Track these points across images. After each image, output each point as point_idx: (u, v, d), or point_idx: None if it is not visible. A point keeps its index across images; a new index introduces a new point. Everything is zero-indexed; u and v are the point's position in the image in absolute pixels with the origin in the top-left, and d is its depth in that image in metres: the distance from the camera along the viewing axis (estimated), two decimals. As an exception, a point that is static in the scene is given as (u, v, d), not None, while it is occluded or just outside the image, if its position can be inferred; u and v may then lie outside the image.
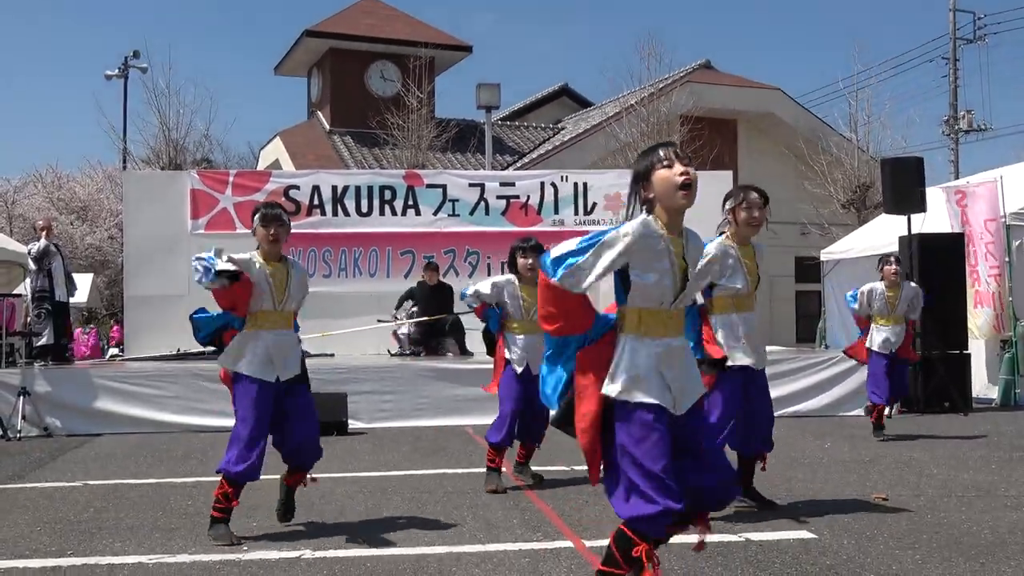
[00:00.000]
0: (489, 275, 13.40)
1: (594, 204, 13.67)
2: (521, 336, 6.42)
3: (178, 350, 11.81)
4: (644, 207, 3.39)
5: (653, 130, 20.61)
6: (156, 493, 6.42)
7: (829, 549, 4.63)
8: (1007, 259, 11.83)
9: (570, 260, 3.23)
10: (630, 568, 3.20)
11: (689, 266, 3.34)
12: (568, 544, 4.78)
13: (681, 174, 3.30)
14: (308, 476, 5.27)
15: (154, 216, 12.80)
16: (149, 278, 12.69)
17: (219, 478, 4.98)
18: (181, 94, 22.29)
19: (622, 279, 3.30)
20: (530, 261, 6.40)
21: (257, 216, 5.15)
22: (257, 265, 5.06)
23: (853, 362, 10.96)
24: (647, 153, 3.42)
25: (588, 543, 4.77)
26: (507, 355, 6.46)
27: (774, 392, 10.23)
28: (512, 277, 6.61)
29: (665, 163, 3.33)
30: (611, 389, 3.24)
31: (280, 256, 5.16)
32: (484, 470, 6.45)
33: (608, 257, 3.23)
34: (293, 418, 5.06)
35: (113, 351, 17.32)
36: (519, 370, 6.36)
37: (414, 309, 12.10)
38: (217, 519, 4.98)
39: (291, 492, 5.31)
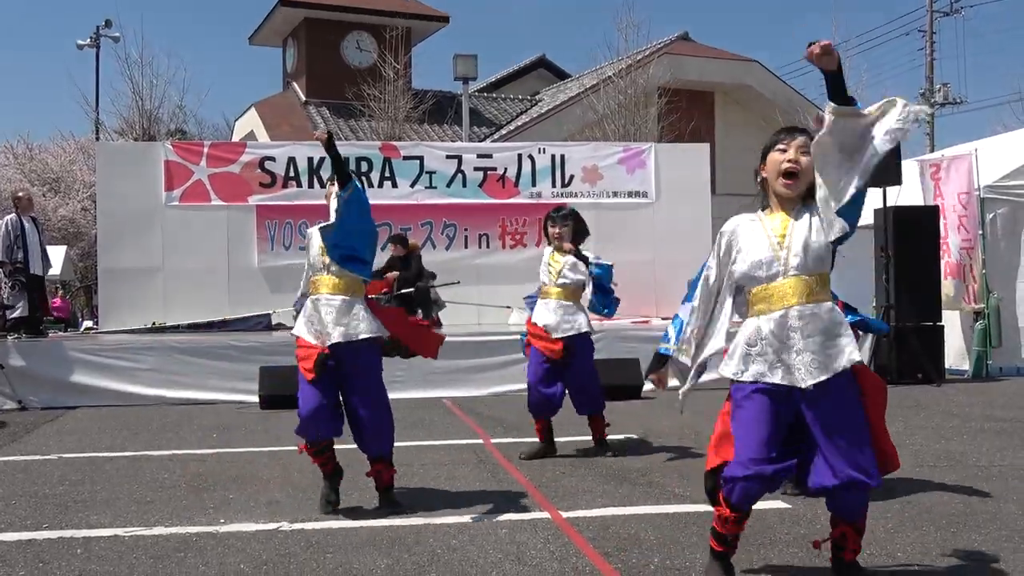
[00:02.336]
0: (466, 247, 13.44)
1: (571, 176, 13.64)
2: (549, 300, 6.50)
3: (153, 323, 11.74)
4: (759, 184, 3.55)
5: (631, 102, 20.59)
6: (132, 466, 6.39)
7: (803, 518, 4.68)
8: (980, 232, 11.94)
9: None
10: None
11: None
12: (545, 515, 4.81)
13: (789, 161, 3.39)
14: (389, 466, 5.07)
15: (128, 188, 12.66)
16: (123, 251, 12.57)
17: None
18: (154, 64, 22.10)
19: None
20: (557, 229, 6.49)
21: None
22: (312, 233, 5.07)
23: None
24: (775, 133, 3.54)
25: (565, 514, 4.80)
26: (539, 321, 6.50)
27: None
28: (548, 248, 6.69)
29: (780, 147, 3.43)
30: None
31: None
32: (462, 442, 6.53)
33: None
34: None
35: (87, 324, 17.17)
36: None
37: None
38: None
39: (385, 492, 5.07)
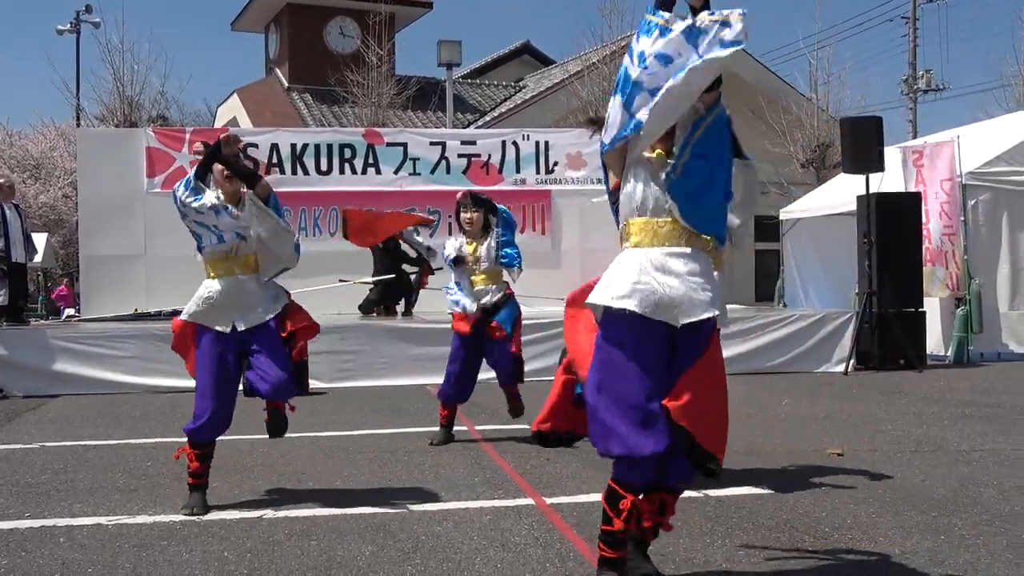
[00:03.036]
0: (450, 234, 13.37)
1: (556, 163, 13.64)
2: (477, 287, 6.52)
3: (135, 310, 11.68)
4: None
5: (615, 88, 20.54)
6: (115, 454, 6.37)
7: (785, 504, 4.71)
8: (962, 219, 12.00)
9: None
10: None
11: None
12: (529, 502, 4.82)
13: None
14: (287, 404, 5.00)
15: (109, 174, 12.57)
16: (105, 238, 12.50)
17: (175, 439, 4.94)
18: (135, 50, 21.86)
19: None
20: (469, 215, 6.48)
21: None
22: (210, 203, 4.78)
23: (811, 320, 11.11)
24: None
25: (549, 500, 4.82)
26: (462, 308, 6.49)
27: (735, 350, 10.48)
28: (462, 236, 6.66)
29: None
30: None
31: (238, 198, 4.87)
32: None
33: None
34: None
35: (69, 312, 17.08)
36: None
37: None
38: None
39: (277, 412, 4.98)
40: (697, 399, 3.17)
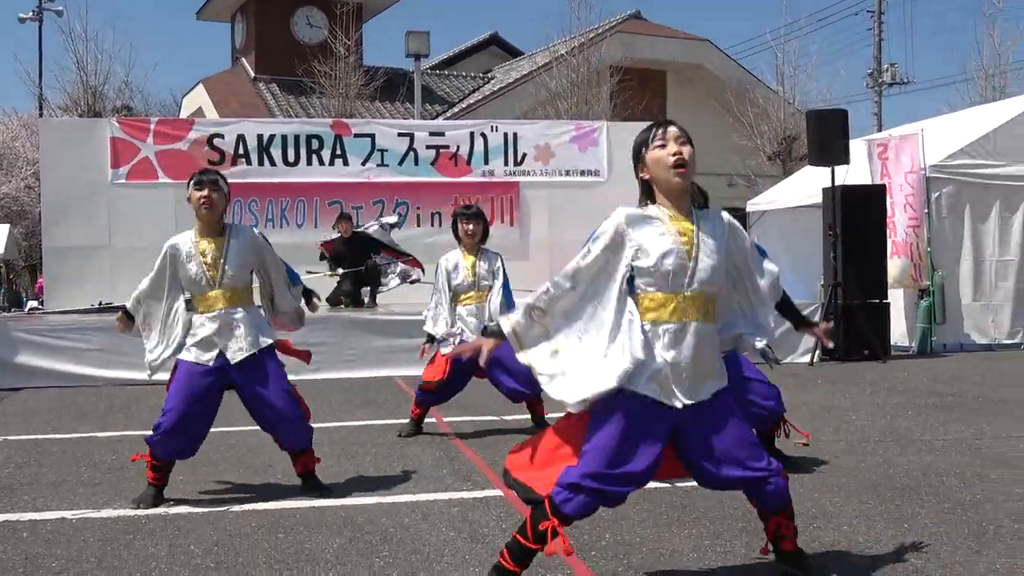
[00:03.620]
0: (419, 226, 13.36)
1: (524, 155, 13.66)
2: (471, 306, 6.35)
3: (100, 302, 11.54)
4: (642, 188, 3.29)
5: (583, 80, 20.60)
6: (79, 448, 6.30)
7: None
8: (926, 211, 12.14)
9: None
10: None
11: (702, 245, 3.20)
12: (497, 493, 4.82)
13: (673, 154, 3.18)
14: (312, 453, 4.93)
15: (72, 165, 12.42)
16: (69, 229, 12.35)
17: (140, 432, 4.89)
18: (99, 39, 21.64)
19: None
20: (471, 227, 6.34)
21: (191, 181, 4.81)
22: (185, 249, 4.74)
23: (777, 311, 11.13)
24: (641, 132, 3.29)
25: (518, 491, 4.82)
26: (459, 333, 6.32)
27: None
28: (456, 250, 6.49)
29: (658, 143, 3.22)
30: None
31: (219, 228, 4.80)
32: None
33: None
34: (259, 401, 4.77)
35: (32, 304, 16.86)
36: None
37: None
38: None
39: (307, 476, 4.93)
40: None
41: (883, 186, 12.35)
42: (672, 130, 3.25)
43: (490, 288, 6.35)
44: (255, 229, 5.06)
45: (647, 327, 3.15)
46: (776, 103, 21.75)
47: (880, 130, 23.16)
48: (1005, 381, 9.21)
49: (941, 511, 4.36)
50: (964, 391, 8.54)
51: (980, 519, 4.20)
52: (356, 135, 13.41)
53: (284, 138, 13.18)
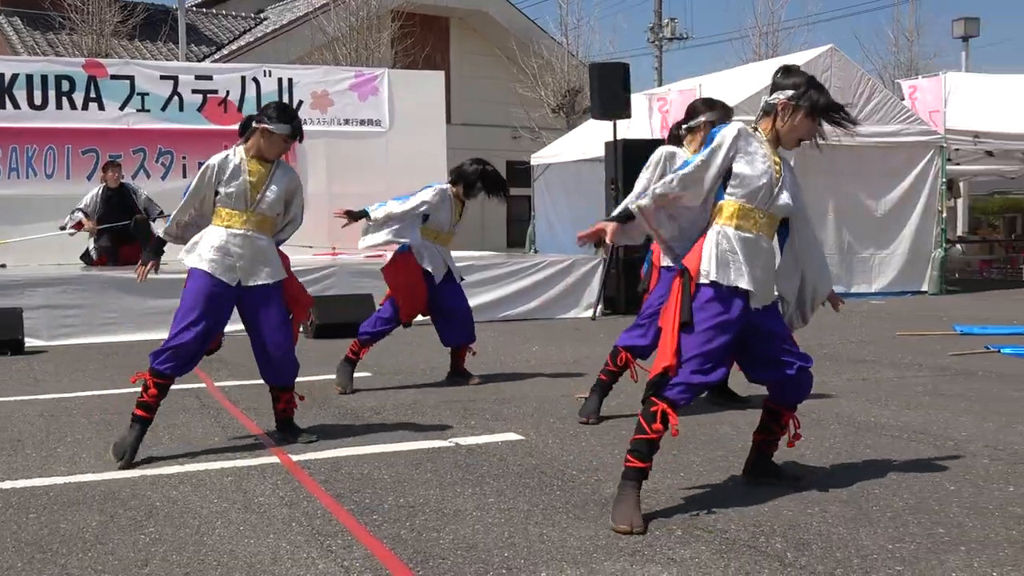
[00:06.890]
0: (185, 176, 12.54)
1: (300, 102, 13.07)
2: (438, 246, 6.62)
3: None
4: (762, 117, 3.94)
5: (363, 24, 20.08)
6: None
7: (535, 449, 4.75)
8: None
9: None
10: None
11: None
12: (274, 460, 4.60)
13: (812, 136, 3.89)
14: (295, 395, 5.04)
15: None
16: None
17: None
18: None
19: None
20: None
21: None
22: (234, 162, 4.83)
23: (562, 266, 11.20)
24: (804, 87, 3.93)
25: (295, 457, 4.61)
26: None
27: (485, 297, 10.53)
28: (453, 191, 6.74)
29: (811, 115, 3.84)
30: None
31: (273, 158, 4.89)
32: (181, 387, 6.07)
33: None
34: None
35: None
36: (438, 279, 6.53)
37: (79, 216, 10.91)
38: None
39: (286, 422, 5.04)
40: None
41: (663, 140, 12.70)
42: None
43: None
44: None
45: (730, 232, 3.69)
46: (560, 55, 22.04)
47: (660, 84, 23.97)
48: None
49: (723, 464, 4.51)
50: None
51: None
52: (112, 76, 12.39)
53: (30, 78, 11.99)
